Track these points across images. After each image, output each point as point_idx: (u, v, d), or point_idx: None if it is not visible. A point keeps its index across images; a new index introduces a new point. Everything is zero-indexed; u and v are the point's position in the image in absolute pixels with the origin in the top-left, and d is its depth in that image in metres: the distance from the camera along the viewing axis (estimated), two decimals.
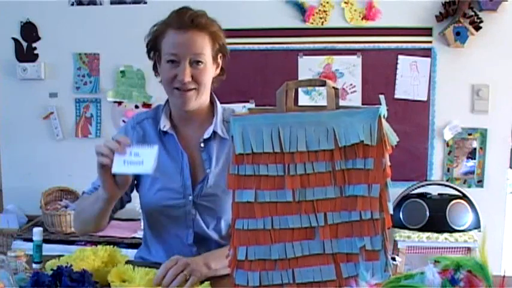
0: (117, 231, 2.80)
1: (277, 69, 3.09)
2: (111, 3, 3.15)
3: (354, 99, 3.09)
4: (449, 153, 3.10)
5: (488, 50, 2.99)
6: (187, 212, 1.56)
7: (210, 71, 1.52)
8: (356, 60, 3.09)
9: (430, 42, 3.04)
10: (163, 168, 1.55)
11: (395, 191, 2.86)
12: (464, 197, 2.85)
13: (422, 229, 2.79)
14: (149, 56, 1.57)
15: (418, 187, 2.91)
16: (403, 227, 2.81)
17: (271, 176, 1.06)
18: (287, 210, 1.07)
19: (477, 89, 3.03)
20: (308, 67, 3.10)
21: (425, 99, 3.07)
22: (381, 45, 3.06)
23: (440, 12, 2.97)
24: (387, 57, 3.07)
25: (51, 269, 1.27)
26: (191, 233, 1.58)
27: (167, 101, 1.61)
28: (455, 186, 2.92)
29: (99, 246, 1.44)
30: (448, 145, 3.09)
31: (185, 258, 1.37)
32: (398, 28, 3.04)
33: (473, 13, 2.93)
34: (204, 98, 1.56)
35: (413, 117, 3.07)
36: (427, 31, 3.03)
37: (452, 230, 2.77)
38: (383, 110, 1.06)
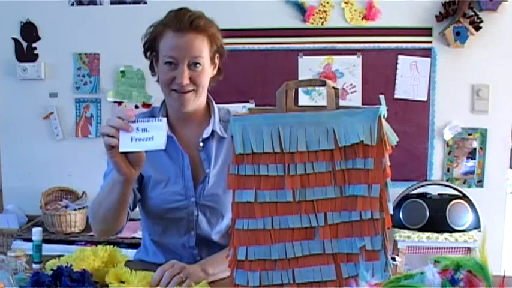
0: None
1: (277, 69, 3.09)
2: (111, 3, 3.15)
3: (354, 99, 3.09)
4: (449, 153, 3.10)
5: (488, 50, 2.99)
6: (190, 214, 1.56)
7: (207, 72, 1.52)
8: (356, 60, 3.09)
9: (430, 42, 3.04)
10: (164, 170, 1.55)
11: (395, 191, 2.86)
12: (464, 197, 2.85)
13: (422, 229, 2.79)
14: (146, 56, 1.56)
15: (418, 187, 2.92)
16: (403, 227, 2.81)
17: (271, 176, 1.07)
18: (287, 210, 1.07)
19: (477, 89, 3.03)
20: (308, 67, 3.10)
21: (425, 99, 3.07)
22: (381, 45, 3.06)
23: (440, 12, 2.97)
24: (387, 57, 3.07)
25: (51, 269, 1.27)
26: (193, 235, 1.57)
27: (163, 102, 1.60)
28: (455, 186, 2.92)
29: (99, 246, 1.44)
30: (448, 145, 3.09)
31: (181, 264, 1.37)
32: (398, 28, 3.04)
33: (473, 13, 2.93)
34: (202, 100, 1.56)
35: (413, 117, 3.07)
36: (427, 31, 3.03)
37: (452, 230, 2.77)
38: (383, 110, 1.06)
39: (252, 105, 3.07)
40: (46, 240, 2.46)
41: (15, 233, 2.91)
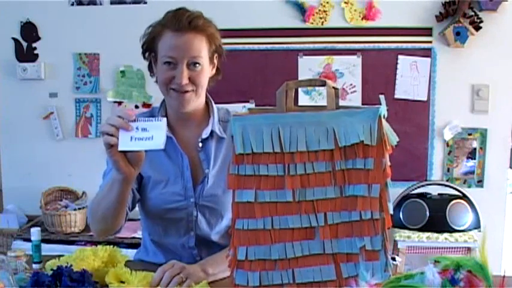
0: None
1: (277, 69, 3.09)
2: (111, 3, 3.15)
3: (354, 99, 3.09)
4: (449, 153, 3.10)
5: (488, 50, 2.99)
6: (189, 214, 1.56)
7: (206, 72, 1.52)
8: (356, 60, 3.09)
9: (430, 42, 3.04)
10: (163, 171, 1.55)
11: (395, 191, 2.86)
12: (464, 197, 2.85)
13: (422, 229, 2.79)
14: (144, 57, 1.56)
15: (418, 187, 2.92)
16: (403, 227, 2.81)
17: (271, 176, 1.07)
18: (287, 210, 1.07)
19: (477, 89, 3.03)
20: (308, 67, 3.10)
21: (425, 99, 3.07)
22: (381, 45, 3.06)
23: (440, 12, 2.97)
24: (387, 57, 3.07)
25: (51, 269, 1.27)
26: (192, 236, 1.57)
27: (162, 102, 1.60)
28: (455, 186, 2.92)
29: (99, 246, 1.44)
30: (448, 145, 3.09)
31: (181, 264, 1.37)
32: (398, 28, 3.04)
33: (473, 13, 2.93)
34: (201, 99, 1.56)
35: (413, 117, 3.07)
36: (427, 31, 3.03)
37: (452, 230, 2.77)
38: (383, 110, 1.06)
39: (252, 105, 3.07)
40: (46, 240, 2.47)
41: (15, 233, 2.91)
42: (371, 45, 3.06)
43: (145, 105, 3.15)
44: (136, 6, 3.12)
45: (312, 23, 3.07)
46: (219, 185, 1.54)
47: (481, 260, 0.84)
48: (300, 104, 2.94)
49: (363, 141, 1.04)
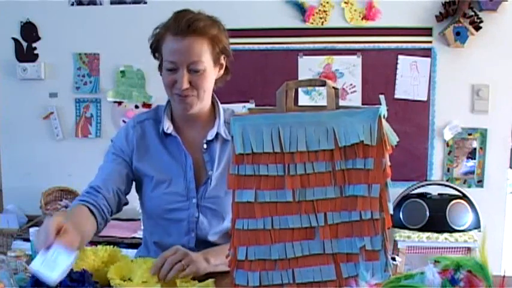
0: (117, 231, 2.81)
1: (277, 69, 3.09)
2: (111, 3, 3.15)
3: (354, 99, 3.09)
4: (449, 153, 3.10)
5: (488, 50, 2.99)
6: (191, 215, 1.55)
7: (210, 75, 1.50)
8: (356, 60, 3.09)
9: (430, 42, 3.04)
10: (166, 171, 1.55)
11: (395, 191, 2.86)
12: (464, 197, 2.85)
13: (422, 229, 2.79)
14: (154, 57, 1.56)
15: (418, 187, 2.91)
16: (403, 227, 2.81)
17: (271, 176, 1.07)
18: (287, 210, 1.07)
19: (477, 89, 3.03)
20: (308, 67, 3.10)
21: (425, 99, 3.07)
22: (381, 45, 3.06)
23: (440, 12, 2.97)
24: (387, 57, 3.07)
25: None
26: (193, 237, 1.57)
27: (168, 101, 1.60)
28: (455, 186, 2.92)
29: (99, 246, 1.44)
30: (448, 145, 3.09)
31: (184, 250, 1.36)
32: (398, 28, 3.04)
33: (473, 13, 2.93)
34: (206, 102, 1.55)
35: (413, 117, 3.07)
36: (427, 31, 3.03)
37: (452, 230, 2.77)
38: (383, 110, 1.06)
39: (252, 105, 3.07)
40: None
41: (15, 233, 2.92)
42: (371, 45, 3.06)
43: (145, 105, 3.15)
44: (136, 6, 3.12)
45: (312, 23, 3.07)
46: (221, 187, 1.53)
47: (481, 260, 0.84)
48: (300, 104, 2.94)
49: (362, 141, 1.04)
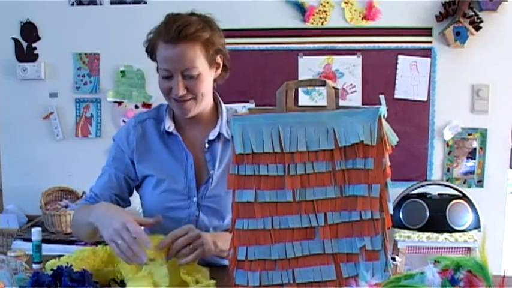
0: None
1: (277, 69, 3.09)
2: (111, 3, 3.15)
3: (354, 99, 3.09)
4: (449, 153, 3.10)
5: (488, 50, 2.99)
6: (191, 214, 1.55)
7: (206, 78, 1.49)
8: (356, 60, 3.09)
9: (430, 42, 3.04)
10: (167, 169, 1.55)
11: (395, 191, 2.86)
12: (464, 197, 2.85)
13: (422, 229, 2.79)
14: (152, 59, 1.55)
15: (418, 187, 2.91)
16: (403, 227, 2.81)
17: (271, 176, 1.07)
18: (287, 210, 1.07)
19: (477, 89, 3.03)
20: (308, 67, 3.10)
21: (425, 99, 3.07)
22: (381, 45, 3.06)
23: (440, 12, 2.97)
24: (387, 57, 3.07)
25: (51, 269, 1.27)
26: None
27: None
28: (455, 186, 2.92)
29: (99, 246, 1.44)
30: (448, 145, 3.09)
31: (197, 230, 1.37)
32: (398, 28, 3.04)
33: (473, 13, 2.93)
34: (205, 103, 1.54)
35: (413, 117, 3.07)
36: (427, 31, 3.03)
37: (452, 230, 2.77)
38: (383, 110, 1.06)
39: (252, 105, 3.07)
40: (46, 240, 2.46)
41: (15, 233, 2.91)
42: (371, 45, 3.06)
43: (145, 105, 3.15)
44: (136, 6, 3.12)
45: (312, 23, 3.07)
46: (222, 186, 1.53)
47: (481, 260, 0.84)
48: (300, 104, 2.94)
49: (362, 141, 1.04)
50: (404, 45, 3.05)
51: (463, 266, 0.84)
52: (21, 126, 3.24)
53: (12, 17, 3.18)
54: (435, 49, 3.04)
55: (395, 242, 2.78)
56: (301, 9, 3.06)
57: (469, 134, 3.07)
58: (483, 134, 3.06)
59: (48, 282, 1.21)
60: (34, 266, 1.49)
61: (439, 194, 2.91)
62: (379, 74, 3.08)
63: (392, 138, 1.07)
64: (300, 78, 2.96)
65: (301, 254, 1.07)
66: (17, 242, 2.81)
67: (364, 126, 1.04)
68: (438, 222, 2.78)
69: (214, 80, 1.56)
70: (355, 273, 1.04)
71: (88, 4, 3.16)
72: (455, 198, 2.83)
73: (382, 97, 1.09)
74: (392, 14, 3.03)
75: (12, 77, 3.20)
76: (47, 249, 1.93)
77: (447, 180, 3.05)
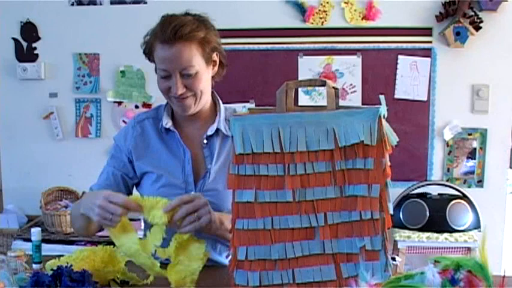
0: None
1: (277, 69, 3.09)
2: (111, 3, 3.15)
3: (354, 99, 3.09)
4: (449, 153, 3.10)
5: (488, 50, 2.99)
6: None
7: (204, 76, 1.51)
8: (356, 60, 3.09)
9: (430, 42, 3.04)
10: (165, 165, 1.56)
11: (396, 191, 2.86)
12: (464, 197, 2.85)
13: (422, 229, 2.79)
14: (150, 60, 1.57)
15: (418, 187, 2.91)
16: (403, 227, 2.81)
17: (271, 176, 1.07)
18: (287, 210, 1.07)
19: (477, 89, 3.03)
20: (308, 67, 3.10)
21: (425, 99, 3.07)
22: (381, 45, 3.06)
23: (440, 12, 2.97)
24: (387, 57, 3.07)
25: (51, 269, 1.27)
26: None
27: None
28: (455, 186, 2.92)
29: (99, 246, 1.44)
30: (448, 145, 3.09)
31: (204, 199, 1.36)
32: (398, 28, 3.04)
33: (473, 13, 2.93)
34: (205, 101, 1.57)
35: (413, 117, 3.07)
36: (427, 31, 3.03)
37: (452, 230, 2.77)
38: (383, 110, 1.06)
39: (252, 105, 3.07)
40: (46, 240, 2.47)
41: (15, 233, 2.91)
42: (371, 45, 3.06)
43: (145, 105, 3.16)
44: (136, 6, 3.12)
45: (312, 23, 3.07)
46: (220, 181, 1.55)
47: (481, 260, 0.84)
48: (300, 104, 2.94)
49: (362, 141, 1.04)
50: (404, 45, 3.05)
51: (463, 266, 0.84)
52: (21, 126, 3.24)
53: (12, 17, 3.18)
54: (435, 49, 3.04)
55: (395, 242, 2.78)
56: (301, 9, 3.06)
57: (469, 134, 3.07)
58: (483, 134, 3.06)
59: (48, 282, 1.21)
60: (34, 266, 1.49)
61: (439, 194, 2.91)
62: (379, 74, 3.08)
63: (392, 138, 1.07)
64: (300, 78, 2.96)
65: (301, 254, 1.07)
66: (17, 242, 2.81)
67: (364, 126, 1.04)
68: (438, 222, 2.78)
69: (212, 78, 1.58)
70: (355, 273, 1.04)
71: (88, 4, 3.16)
72: (455, 198, 2.83)
73: (382, 97, 1.09)
74: (392, 14, 3.03)
75: (12, 77, 3.20)
76: (47, 249, 1.93)
77: (447, 180, 3.05)
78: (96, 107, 3.22)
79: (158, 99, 3.01)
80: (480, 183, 3.08)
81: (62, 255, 1.42)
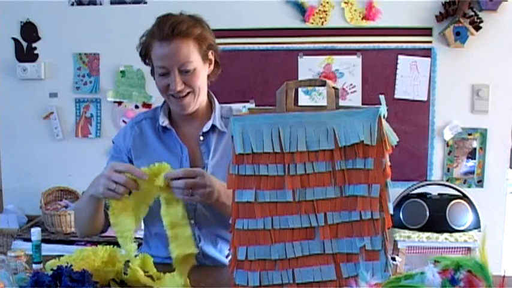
0: None
1: (277, 69, 3.09)
2: (111, 3, 3.15)
3: (354, 99, 3.09)
4: (449, 153, 3.10)
5: (488, 50, 2.99)
6: (188, 203, 1.56)
7: (201, 73, 1.54)
8: (356, 60, 3.09)
9: (430, 42, 3.04)
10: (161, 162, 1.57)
11: (396, 191, 2.86)
12: (464, 197, 2.85)
13: (422, 229, 2.79)
14: (145, 63, 1.60)
15: (418, 187, 2.92)
16: (403, 227, 2.81)
17: (271, 176, 1.07)
18: (287, 210, 1.07)
19: (477, 89, 3.03)
20: (308, 67, 3.10)
21: (425, 99, 3.07)
22: (381, 45, 3.06)
23: (440, 12, 2.97)
24: (387, 57, 3.07)
25: (51, 269, 1.27)
26: (192, 224, 1.58)
27: (164, 101, 1.64)
28: (455, 186, 2.92)
29: (99, 246, 1.44)
30: (448, 145, 3.09)
31: (206, 179, 1.37)
32: (398, 28, 3.04)
33: (473, 13, 2.93)
34: (202, 98, 1.59)
35: (413, 117, 3.07)
36: (427, 31, 3.03)
37: (452, 230, 2.77)
38: (383, 110, 1.06)
39: (252, 105, 3.07)
40: (46, 240, 2.47)
41: (15, 233, 2.91)
42: (371, 45, 3.06)
43: (145, 105, 3.16)
44: (136, 6, 3.12)
45: (312, 23, 3.07)
46: (218, 174, 1.55)
47: (481, 260, 0.84)
48: (300, 104, 2.94)
49: (362, 141, 1.04)
50: (404, 45, 3.05)
51: (463, 266, 0.84)
52: (21, 126, 3.24)
53: (12, 17, 3.18)
54: (435, 49, 3.04)
55: (395, 242, 2.79)
56: (301, 9, 3.06)
57: (469, 134, 3.07)
58: (483, 134, 3.06)
59: (48, 282, 1.21)
60: (34, 266, 1.49)
61: (439, 194, 2.91)
62: (379, 74, 3.08)
63: (392, 138, 1.07)
64: (300, 78, 2.96)
65: (301, 254, 1.07)
66: (17, 242, 2.81)
67: (364, 126, 1.04)
68: (438, 222, 2.78)
69: (208, 77, 1.60)
70: (355, 273, 1.04)
71: (88, 4, 3.16)
72: (455, 198, 2.83)
73: (382, 97, 1.09)
74: (392, 14, 3.03)
75: (12, 77, 3.20)
76: (47, 249, 1.93)
77: (447, 180, 3.05)
78: (96, 107, 3.22)
79: (158, 99, 2.99)
80: (480, 183, 3.08)
81: (62, 255, 1.42)
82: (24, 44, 3.20)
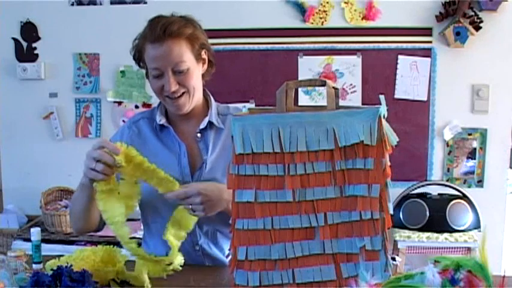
0: None
1: (277, 69, 3.09)
2: (111, 3, 3.15)
3: (354, 99, 3.09)
4: (449, 153, 3.10)
5: (488, 50, 2.99)
6: None
7: (195, 72, 1.54)
8: (356, 60, 3.09)
9: (430, 42, 3.04)
10: (161, 160, 1.56)
11: (396, 191, 2.86)
12: (464, 197, 2.85)
13: (422, 229, 2.79)
14: (139, 66, 1.60)
15: (418, 187, 2.91)
16: (403, 227, 2.81)
17: (271, 176, 1.07)
18: (287, 210, 1.07)
19: (477, 89, 3.03)
20: (308, 67, 3.10)
21: (425, 99, 3.07)
22: (381, 45, 3.06)
23: (440, 12, 2.97)
24: (387, 57, 3.07)
25: (51, 269, 1.27)
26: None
27: (160, 102, 1.65)
28: (455, 186, 2.92)
29: (99, 246, 1.45)
30: (448, 145, 3.09)
31: (202, 196, 1.39)
32: (398, 28, 3.04)
33: (473, 13, 2.93)
34: (197, 98, 1.60)
35: (413, 117, 3.07)
36: (427, 31, 3.03)
37: (452, 230, 2.77)
38: (383, 110, 1.06)
39: (252, 105, 3.06)
40: (46, 240, 2.47)
41: (15, 233, 2.91)
42: (371, 45, 3.06)
43: (145, 105, 3.16)
44: (136, 6, 3.12)
45: (312, 23, 3.07)
46: (217, 170, 1.57)
47: (481, 260, 0.84)
48: (300, 104, 2.94)
49: (362, 141, 1.04)
50: (404, 45, 3.05)
51: (463, 266, 0.84)
52: (21, 126, 3.24)
53: (12, 17, 3.18)
54: (435, 49, 3.04)
55: (395, 242, 2.78)
56: (301, 9, 3.06)
57: (469, 134, 3.07)
58: (483, 134, 3.06)
59: (48, 282, 1.21)
60: (34, 266, 1.49)
61: (439, 194, 2.91)
62: (379, 74, 3.08)
63: (392, 138, 1.07)
64: (300, 78, 2.96)
65: (301, 254, 1.07)
66: (17, 242, 2.81)
67: (364, 126, 1.04)
68: (438, 222, 2.78)
69: (202, 76, 1.60)
70: (355, 273, 1.04)
71: (88, 4, 3.16)
72: (455, 198, 2.83)
73: (382, 97, 1.09)
74: (392, 14, 3.03)
75: (12, 77, 3.20)
76: (47, 249, 1.93)
77: (447, 180, 3.05)
78: (96, 107, 3.22)
79: (158, 99, 3.00)
80: (480, 183, 3.08)
81: (62, 255, 1.42)
82: (24, 44, 3.20)
